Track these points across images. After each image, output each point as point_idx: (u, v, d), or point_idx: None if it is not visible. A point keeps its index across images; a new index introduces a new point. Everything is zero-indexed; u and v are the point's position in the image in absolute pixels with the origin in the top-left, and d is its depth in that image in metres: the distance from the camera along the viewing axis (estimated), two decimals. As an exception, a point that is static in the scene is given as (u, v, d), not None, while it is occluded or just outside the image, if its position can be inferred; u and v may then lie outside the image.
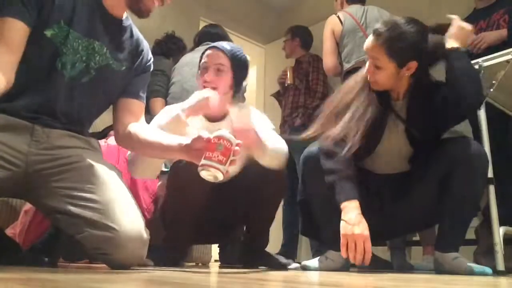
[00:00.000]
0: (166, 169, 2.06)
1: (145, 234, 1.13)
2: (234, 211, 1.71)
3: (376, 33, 1.41)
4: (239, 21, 4.03)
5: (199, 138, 1.10)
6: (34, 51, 1.13)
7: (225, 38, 2.63)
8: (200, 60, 1.66)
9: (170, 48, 2.70)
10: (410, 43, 1.38)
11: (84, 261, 1.48)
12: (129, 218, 1.11)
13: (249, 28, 4.16)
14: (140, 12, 1.24)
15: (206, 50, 1.64)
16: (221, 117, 1.65)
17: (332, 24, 2.56)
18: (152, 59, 1.39)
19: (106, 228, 1.07)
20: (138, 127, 1.30)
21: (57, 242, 1.41)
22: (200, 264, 2.23)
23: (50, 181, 1.14)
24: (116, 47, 1.26)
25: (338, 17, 2.54)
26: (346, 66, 2.49)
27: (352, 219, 1.33)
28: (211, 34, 2.59)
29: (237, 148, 1.07)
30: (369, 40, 1.44)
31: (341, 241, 1.34)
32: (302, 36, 3.29)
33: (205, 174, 1.07)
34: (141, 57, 1.33)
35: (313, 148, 1.54)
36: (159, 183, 1.88)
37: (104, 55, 1.23)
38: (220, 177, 1.06)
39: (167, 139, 1.22)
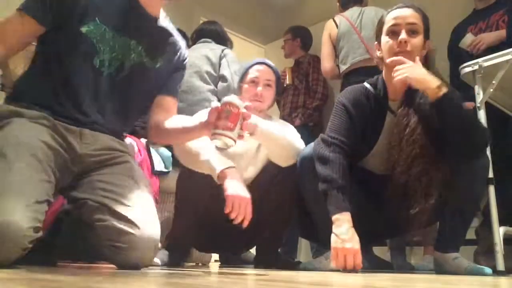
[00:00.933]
0: (166, 170, 2.06)
1: (158, 243, 1.18)
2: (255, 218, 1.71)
3: (410, 6, 1.47)
4: (239, 21, 4.03)
5: (211, 110, 1.13)
6: (71, 48, 1.17)
7: (223, 35, 2.63)
8: (245, 74, 1.76)
9: None
10: (428, 21, 1.48)
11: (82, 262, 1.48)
12: (151, 222, 1.16)
13: (249, 28, 4.15)
14: None
15: (254, 64, 1.77)
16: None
17: (328, 29, 2.67)
18: (187, 57, 1.42)
19: (129, 222, 1.11)
20: (165, 119, 1.32)
21: (56, 242, 1.41)
22: (200, 264, 2.23)
23: (93, 175, 1.20)
24: (151, 45, 1.28)
25: (335, 21, 2.64)
26: (343, 68, 2.58)
27: (343, 233, 1.32)
28: (208, 31, 2.59)
29: (243, 110, 1.08)
30: (406, 10, 1.46)
31: (332, 253, 1.34)
32: (303, 37, 3.30)
33: (217, 143, 1.10)
34: (177, 55, 1.36)
35: (308, 150, 1.53)
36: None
37: (139, 53, 1.25)
38: (230, 143, 1.08)
39: (190, 121, 1.28)
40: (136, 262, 1.11)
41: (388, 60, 1.44)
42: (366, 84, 1.56)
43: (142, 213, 1.15)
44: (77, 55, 1.18)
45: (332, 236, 1.34)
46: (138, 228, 1.11)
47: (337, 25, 2.63)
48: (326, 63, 2.69)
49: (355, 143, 1.48)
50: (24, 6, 1.16)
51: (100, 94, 1.22)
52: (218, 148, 1.34)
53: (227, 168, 1.32)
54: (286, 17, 4.18)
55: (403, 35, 1.42)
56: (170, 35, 1.35)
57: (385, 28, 1.48)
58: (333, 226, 1.34)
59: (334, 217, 1.35)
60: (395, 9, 1.49)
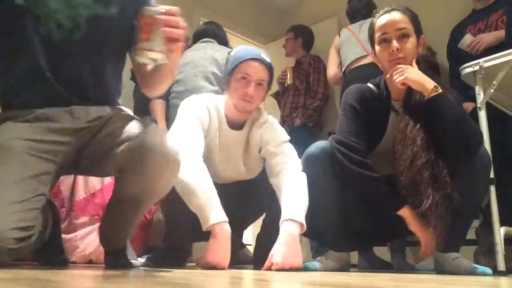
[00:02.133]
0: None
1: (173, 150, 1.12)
2: (242, 213, 1.70)
3: (396, 9, 1.47)
4: (239, 21, 4.03)
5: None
6: (10, 26, 1.09)
7: (226, 37, 2.65)
8: (237, 67, 1.55)
9: None
10: (418, 19, 1.49)
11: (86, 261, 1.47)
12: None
13: (249, 28, 4.16)
14: None
15: (247, 59, 1.54)
16: (241, 124, 1.64)
17: (335, 40, 2.94)
18: None
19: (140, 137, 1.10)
20: None
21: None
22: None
23: (95, 140, 1.19)
24: None
25: (339, 33, 2.91)
26: (343, 69, 2.80)
27: (418, 224, 1.40)
28: (212, 31, 2.61)
29: (160, 17, 0.99)
30: (393, 15, 1.46)
31: (423, 243, 1.42)
32: (305, 37, 3.31)
33: (140, 60, 1.06)
34: None
35: (313, 149, 1.53)
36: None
37: (86, 4, 1.13)
38: (144, 60, 1.04)
39: None
40: (157, 171, 1.10)
41: (387, 76, 1.46)
42: (369, 85, 1.57)
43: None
44: (23, 32, 1.08)
45: (417, 227, 1.40)
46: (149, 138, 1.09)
47: (340, 36, 2.86)
48: (330, 70, 2.91)
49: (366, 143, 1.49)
50: None
51: (66, 65, 1.13)
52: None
53: (218, 223, 1.29)
54: (286, 17, 4.19)
55: (394, 44, 1.43)
56: None
57: (376, 37, 1.50)
58: (410, 219, 1.41)
59: (403, 211, 1.41)
60: (383, 14, 1.49)
